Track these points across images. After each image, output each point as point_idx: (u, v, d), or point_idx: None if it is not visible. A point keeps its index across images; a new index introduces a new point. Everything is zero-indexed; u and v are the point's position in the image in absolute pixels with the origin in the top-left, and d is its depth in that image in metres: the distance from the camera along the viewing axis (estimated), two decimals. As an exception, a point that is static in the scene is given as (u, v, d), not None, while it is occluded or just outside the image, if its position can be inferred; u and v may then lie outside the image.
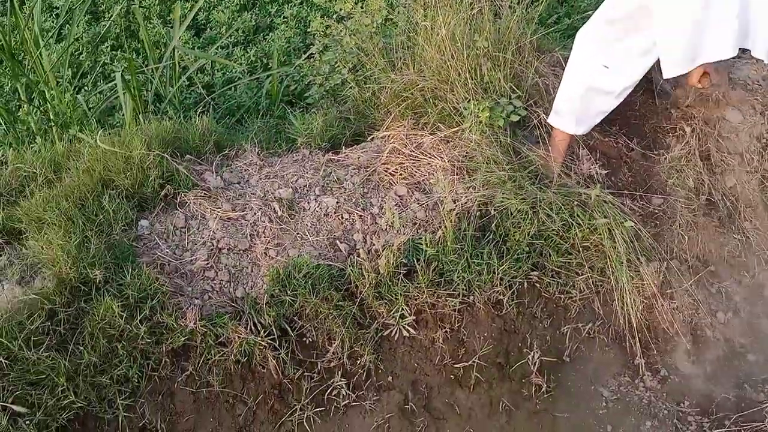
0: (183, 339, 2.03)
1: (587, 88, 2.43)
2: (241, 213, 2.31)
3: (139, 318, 2.00)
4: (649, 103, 2.95)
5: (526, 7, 2.93)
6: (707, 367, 2.52)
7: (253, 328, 2.13)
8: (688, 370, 2.51)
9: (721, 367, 2.53)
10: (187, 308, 2.04)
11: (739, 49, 2.16)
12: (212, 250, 2.22)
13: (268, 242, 2.27)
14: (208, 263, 2.19)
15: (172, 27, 3.45)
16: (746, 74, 3.08)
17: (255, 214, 2.32)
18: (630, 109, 2.94)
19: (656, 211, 2.66)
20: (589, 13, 2.55)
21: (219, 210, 2.30)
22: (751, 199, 2.76)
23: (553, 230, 2.42)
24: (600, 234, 2.41)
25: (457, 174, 2.58)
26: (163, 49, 3.43)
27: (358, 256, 2.26)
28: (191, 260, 2.19)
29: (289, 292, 2.14)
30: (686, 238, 2.62)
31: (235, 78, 3.51)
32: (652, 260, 2.48)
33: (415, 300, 2.32)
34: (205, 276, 2.18)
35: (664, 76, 2.16)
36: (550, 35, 4.08)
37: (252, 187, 2.44)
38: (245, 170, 2.50)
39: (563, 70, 2.87)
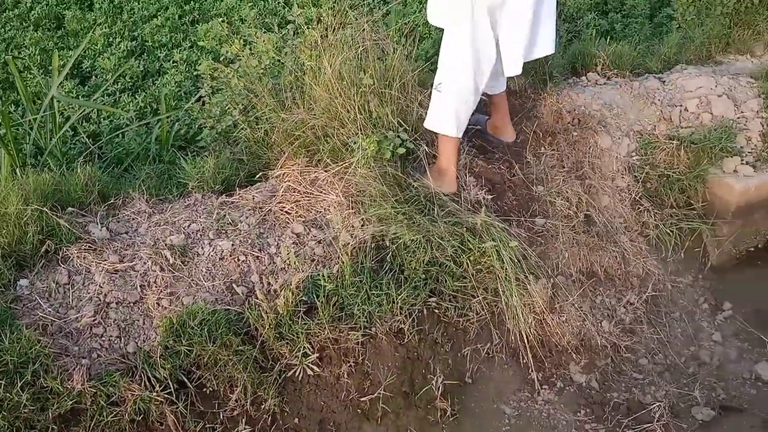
0: (71, 403, 1.93)
1: (466, 92, 2.64)
2: (130, 264, 2.25)
3: (19, 385, 1.89)
4: (527, 130, 3.14)
5: (411, 44, 3.06)
6: (598, 374, 2.67)
7: (147, 383, 2.06)
8: (582, 379, 2.64)
9: (610, 373, 2.69)
10: (74, 369, 1.95)
11: None
12: (99, 305, 2.14)
13: (161, 292, 2.22)
14: (95, 319, 2.11)
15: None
16: (612, 98, 3.34)
17: (145, 263, 2.27)
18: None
19: (541, 231, 2.82)
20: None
21: (105, 262, 2.23)
22: (624, 215, 2.98)
23: (446, 256, 2.52)
24: (490, 256, 2.53)
25: (352, 208, 2.63)
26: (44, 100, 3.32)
27: (256, 298, 2.25)
28: (76, 318, 2.10)
29: (184, 341, 2.09)
30: (568, 254, 2.78)
31: (123, 125, 3.44)
32: (540, 278, 2.62)
33: (318, 337, 2.32)
34: (92, 333, 2.09)
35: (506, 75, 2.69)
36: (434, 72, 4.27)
37: (141, 236, 2.38)
38: (133, 219, 2.44)
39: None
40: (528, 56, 2.70)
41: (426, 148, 2.76)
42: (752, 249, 3.20)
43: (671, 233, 3.00)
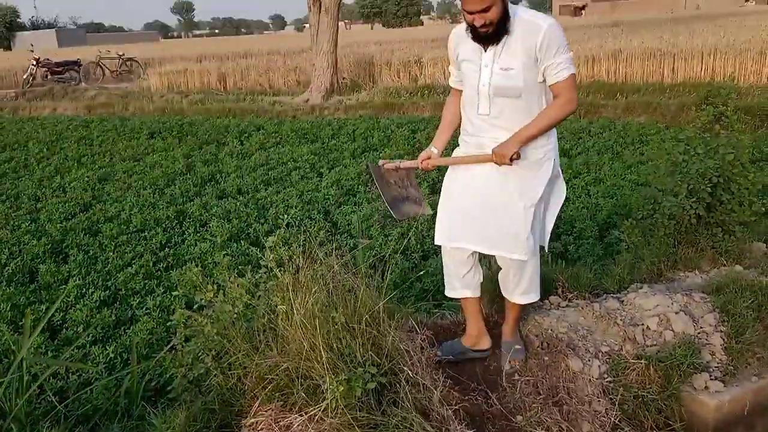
0: None
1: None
2: None
3: None
4: (498, 357, 3.19)
5: (381, 276, 3.21)
6: None
7: None
8: None
9: None
10: None
11: None
12: None
13: None
14: None
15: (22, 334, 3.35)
16: (576, 320, 3.46)
17: None
18: (484, 361, 3.16)
19: (526, 464, 2.73)
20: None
21: None
22: (606, 439, 2.92)
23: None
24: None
25: (329, 455, 2.54)
26: (11, 358, 3.29)
27: None
28: None
29: None
30: (557, 488, 2.67)
31: (93, 379, 3.38)
32: None
33: None
34: None
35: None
36: (404, 300, 4.43)
37: (106, 504, 2.23)
38: (99, 485, 2.31)
39: (417, 332, 3.11)
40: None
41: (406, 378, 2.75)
42: (741, 466, 3.12)
43: (658, 457, 2.93)
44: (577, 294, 3.80)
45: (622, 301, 3.59)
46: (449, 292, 3.22)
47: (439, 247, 3.18)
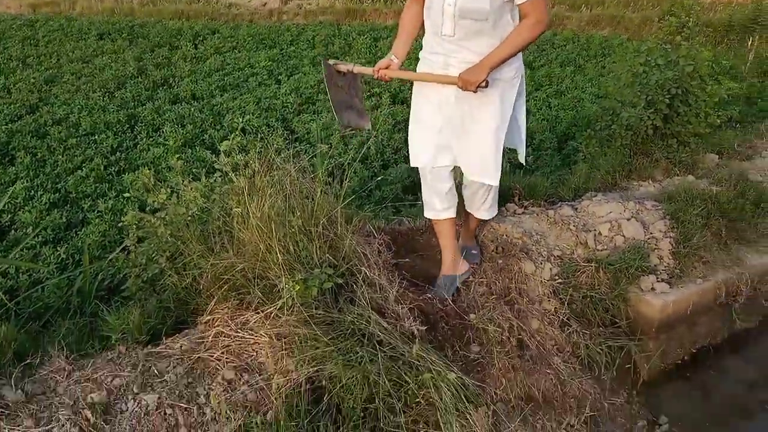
0: None
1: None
2: (46, 427, 2.08)
3: None
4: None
5: (338, 183, 3.17)
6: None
7: None
8: None
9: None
10: None
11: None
12: (12, 475, 1.96)
13: (81, 455, 2.06)
14: (5, 492, 1.92)
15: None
16: (531, 226, 3.52)
17: (63, 426, 2.10)
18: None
19: (476, 358, 2.82)
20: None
21: (19, 428, 2.06)
22: (555, 338, 3.04)
23: (385, 391, 2.46)
24: (428, 389, 2.49)
25: (284, 349, 2.58)
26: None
27: (186, 454, 2.12)
28: (-16, 492, 1.90)
29: None
30: (506, 380, 2.78)
31: (44, 278, 3.32)
32: (480, 405, 2.58)
33: (252, 490, 2.18)
34: None
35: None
36: (362, 207, 4.42)
37: (59, 396, 2.23)
38: (51, 378, 2.29)
39: (375, 237, 3.11)
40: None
41: (364, 275, 2.78)
42: (679, 362, 3.30)
43: (601, 352, 3.06)
44: (534, 202, 3.85)
45: (577, 208, 3.66)
46: (430, 213, 3.10)
47: (400, 157, 3.14)
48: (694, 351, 3.35)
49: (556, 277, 3.25)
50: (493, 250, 3.33)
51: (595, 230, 3.44)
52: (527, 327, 3.01)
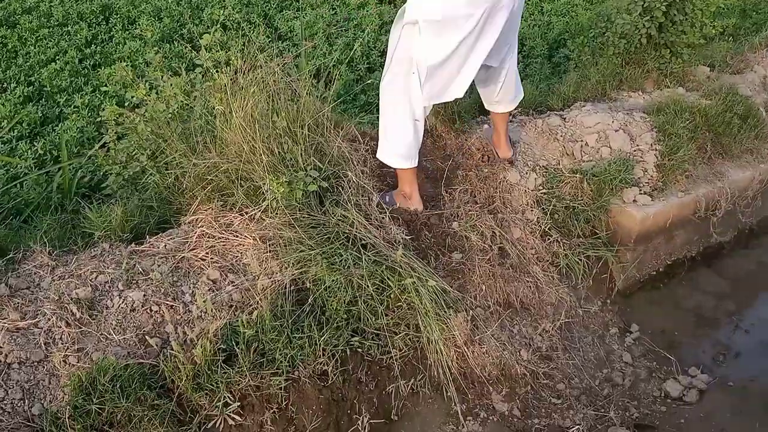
0: (-31, 475, 1.78)
1: (412, 123, 2.79)
2: (32, 320, 2.11)
3: None
4: (442, 167, 3.23)
5: (323, 85, 3.09)
6: (519, 402, 2.72)
7: (56, 446, 1.92)
8: (504, 408, 2.68)
9: (531, 400, 2.74)
10: (-28, 438, 1.80)
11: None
12: (-1, 366, 1.99)
13: (67, 348, 2.09)
14: (-5, 382, 1.96)
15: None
16: (518, 136, 3.49)
17: (49, 319, 2.13)
18: (425, 175, 3.20)
19: (458, 265, 2.87)
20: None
21: (5, 321, 2.08)
22: (535, 246, 3.09)
23: (367, 294, 2.51)
24: (410, 293, 2.55)
25: (269, 251, 2.59)
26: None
27: (171, 349, 2.16)
28: (-26, 382, 1.94)
29: (95, 399, 1.97)
30: (486, 287, 2.85)
31: (21, 174, 3.26)
32: (460, 311, 2.66)
33: (238, 385, 2.25)
34: (-8, 397, 1.94)
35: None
36: (348, 111, 4.34)
37: (44, 291, 2.24)
38: (35, 273, 2.30)
39: (360, 142, 3.07)
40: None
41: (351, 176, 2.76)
42: (654, 273, 3.39)
43: (579, 261, 3.13)
44: (522, 111, 3.80)
45: (565, 118, 3.62)
46: (406, 163, 2.88)
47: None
48: (669, 263, 3.44)
49: (541, 188, 3.26)
50: (479, 158, 3.31)
51: (582, 141, 3.43)
52: (509, 236, 3.05)
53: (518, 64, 5.35)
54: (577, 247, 3.17)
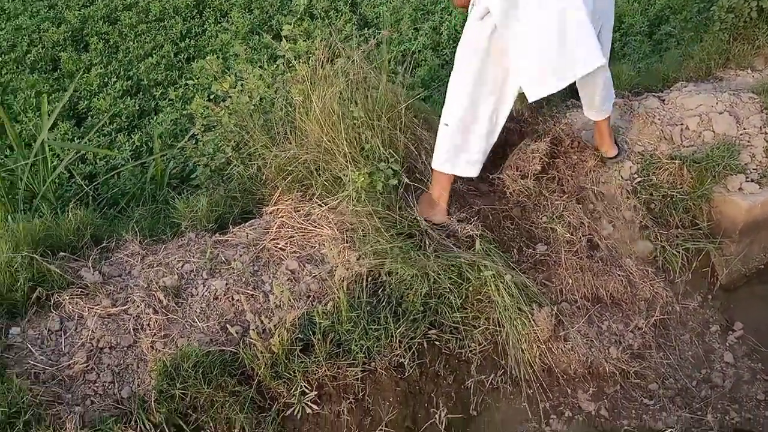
0: (65, 452, 1.89)
1: (474, 125, 2.56)
2: (123, 307, 2.21)
3: (11, 436, 1.85)
4: (527, 155, 3.10)
5: (406, 72, 3.03)
6: (607, 402, 2.58)
7: (143, 428, 2.01)
8: (591, 407, 2.56)
9: (620, 400, 2.60)
10: (67, 417, 1.91)
11: None
12: (92, 350, 2.10)
13: (154, 334, 2.17)
14: (88, 365, 2.06)
15: (47, 119, 3.34)
16: (612, 120, 3.29)
17: (138, 306, 2.22)
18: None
19: (542, 257, 2.76)
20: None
21: (98, 307, 2.19)
22: (628, 239, 2.91)
23: (445, 287, 2.46)
24: (489, 287, 2.47)
25: (347, 242, 2.59)
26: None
27: (251, 338, 2.20)
28: (69, 364, 2.06)
29: (178, 384, 2.04)
30: (572, 280, 2.72)
31: (120, 165, 3.43)
32: (544, 305, 2.55)
33: (315, 374, 2.27)
34: (85, 380, 2.05)
35: (530, 99, 2.41)
36: (432, 98, 4.26)
37: (134, 279, 2.34)
38: (126, 261, 2.41)
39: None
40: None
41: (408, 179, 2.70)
42: (762, 267, 3.12)
43: (677, 254, 2.92)
44: (617, 93, 3.58)
45: (664, 100, 3.38)
46: (466, 169, 2.64)
47: None
48: (779, 256, 3.15)
49: (635, 176, 3.06)
50: (568, 144, 3.15)
51: (682, 124, 3.19)
52: (599, 227, 2.89)
53: (615, 42, 5.10)
54: (675, 239, 2.96)
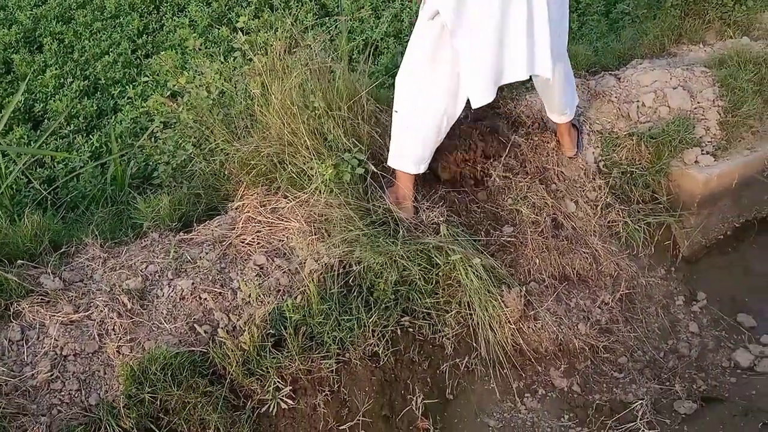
0: (32, 463, 1.86)
1: (423, 128, 2.54)
2: (86, 313, 2.17)
3: (-25, 451, 1.81)
4: (489, 138, 3.12)
5: (368, 60, 3.00)
6: (579, 377, 2.63)
7: (113, 435, 1.98)
8: (563, 384, 2.61)
9: (591, 375, 2.65)
10: (32, 428, 1.87)
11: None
12: (56, 359, 2.06)
13: (120, 339, 2.14)
14: (52, 374, 2.03)
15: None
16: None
17: (102, 311, 2.19)
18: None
19: (509, 239, 2.78)
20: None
21: (59, 314, 2.15)
22: (591, 218, 2.95)
23: (414, 274, 2.47)
24: (458, 271, 2.48)
25: (315, 234, 2.58)
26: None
27: (220, 336, 2.18)
28: (32, 374, 2.02)
29: (147, 388, 2.02)
30: (539, 260, 2.75)
31: (78, 167, 3.35)
32: (513, 286, 2.58)
33: (289, 369, 2.26)
34: (50, 389, 2.01)
35: (473, 106, 2.39)
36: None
37: (96, 283, 2.30)
38: (87, 266, 2.36)
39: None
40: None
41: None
42: (721, 237, 3.19)
43: (640, 229, 2.98)
44: (574, 72, 3.61)
45: (620, 78, 3.43)
46: (414, 168, 2.63)
47: None
48: (737, 226, 3.22)
49: (599, 157, 3.10)
50: (529, 126, 3.18)
51: (638, 101, 3.24)
52: (563, 206, 2.93)
53: (572, 23, 5.14)
54: (637, 214, 3.02)
